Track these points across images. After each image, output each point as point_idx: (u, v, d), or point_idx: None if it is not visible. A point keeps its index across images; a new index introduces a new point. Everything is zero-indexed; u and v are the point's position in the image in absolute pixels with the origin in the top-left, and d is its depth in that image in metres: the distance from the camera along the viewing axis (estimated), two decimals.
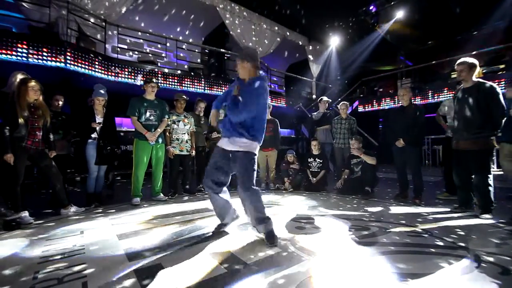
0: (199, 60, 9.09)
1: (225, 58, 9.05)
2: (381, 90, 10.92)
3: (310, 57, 10.71)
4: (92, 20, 5.70)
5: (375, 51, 10.37)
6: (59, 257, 1.75)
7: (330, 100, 5.30)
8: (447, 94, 7.72)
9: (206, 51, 9.09)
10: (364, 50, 10.59)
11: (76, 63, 4.79)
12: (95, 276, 1.48)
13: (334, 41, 10.72)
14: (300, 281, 1.41)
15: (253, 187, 2.00)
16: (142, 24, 7.90)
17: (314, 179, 4.34)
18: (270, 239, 1.95)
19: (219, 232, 2.22)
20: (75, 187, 4.84)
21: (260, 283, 1.39)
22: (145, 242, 2.02)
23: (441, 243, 1.96)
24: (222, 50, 8.44)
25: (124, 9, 6.21)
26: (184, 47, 8.21)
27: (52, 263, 1.65)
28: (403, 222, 2.53)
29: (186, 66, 8.09)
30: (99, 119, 3.29)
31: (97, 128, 3.22)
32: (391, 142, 3.63)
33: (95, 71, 5.19)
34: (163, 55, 7.46)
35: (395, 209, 3.07)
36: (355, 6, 9.77)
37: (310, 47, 10.71)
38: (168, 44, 7.04)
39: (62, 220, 2.65)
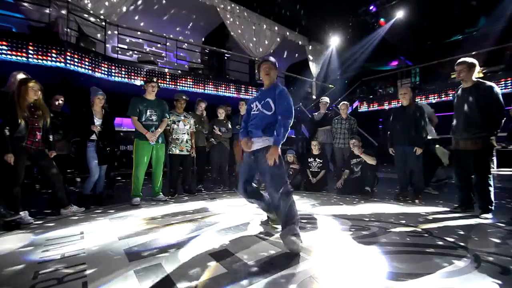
0: (199, 60, 9.09)
1: (225, 58, 9.06)
2: (381, 90, 10.92)
3: (310, 57, 10.70)
4: (92, 20, 5.70)
5: (375, 51, 10.37)
6: (59, 257, 1.75)
7: (329, 101, 5.30)
8: (447, 94, 7.72)
9: (206, 51, 9.09)
10: (364, 50, 10.59)
11: (76, 63, 4.80)
12: (95, 276, 1.48)
13: (334, 41, 10.72)
14: (301, 280, 1.41)
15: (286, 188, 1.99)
16: (142, 24, 7.90)
17: (314, 179, 4.35)
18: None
19: (219, 232, 2.23)
20: (75, 187, 4.84)
21: (260, 283, 1.39)
22: (145, 242, 2.02)
23: (441, 243, 1.96)
24: (222, 50, 8.44)
25: (124, 9, 6.20)
26: (184, 47, 8.20)
27: (52, 263, 1.65)
28: (403, 222, 2.53)
29: (186, 66, 8.09)
30: (98, 120, 3.29)
31: (96, 131, 3.23)
32: (393, 142, 3.63)
33: (95, 71, 5.19)
34: (163, 55, 7.46)
35: (395, 209, 3.07)
36: (355, 6, 9.77)
37: (310, 47, 10.71)
38: (168, 44, 7.04)
39: (62, 220, 2.65)
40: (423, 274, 1.47)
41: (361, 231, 2.25)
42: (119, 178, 5.59)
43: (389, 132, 3.82)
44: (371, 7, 9.85)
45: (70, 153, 3.49)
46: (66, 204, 2.89)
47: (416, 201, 3.41)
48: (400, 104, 3.71)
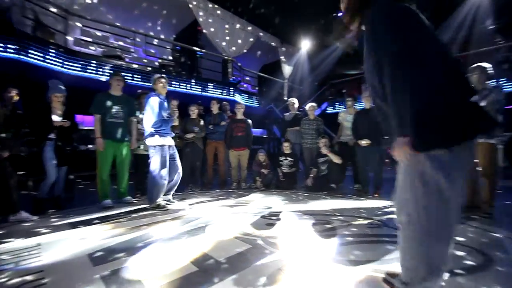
0: (170, 58, 8.82)
1: (198, 56, 8.92)
2: (347, 92, 11.52)
3: (282, 58, 10.97)
4: (52, 9, 5.25)
5: (344, 55, 10.89)
6: (12, 265, 1.62)
7: (296, 102, 5.42)
8: None
9: (178, 48, 8.85)
10: (334, 54, 11.09)
11: (31, 55, 4.39)
12: (56, 284, 1.40)
13: (306, 44, 11.09)
14: (269, 273, 1.49)
15: None
16: (110, 17, 7.45)
17: (285, 170, 4.51)
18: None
19: (189, 232, 2.23)
20: (28, 191, 4.41)
21: (230, 279, 1.44)
22: (111, 245, 1.94)
23: (394, 233, 2.18)
24: (194, 48, 8.29)
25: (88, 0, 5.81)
26: (154, 42, 7.91)
27: (5, 272, 1.53)
28: (364, 215, 2.76)
29: (156, 63, 7.81)
30: (57, 117, 3.05)
31: (58, 125, 3.00)
32: (355, 142, 3.91)
33: (54, 64, 4.79)
34: (132, 50, 7.12)
35: (357, 204, 3.32)
36: (327, 11, 10.17)
37: (283, 49, 10.97)
38: (138, 40, 6.74)
39: (15, 227, 2.43)
40: (377, 260, 1.64)
41: (325, 225, 2.42)
42: (80, 180, 5.20)
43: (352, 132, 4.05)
44: (341, 14, 10.34)
45: (21, 153, 3.18)
46: (17, 209, 2.63)
47: (376, 195, 3.72)
48: (363, 107, 4.00)
